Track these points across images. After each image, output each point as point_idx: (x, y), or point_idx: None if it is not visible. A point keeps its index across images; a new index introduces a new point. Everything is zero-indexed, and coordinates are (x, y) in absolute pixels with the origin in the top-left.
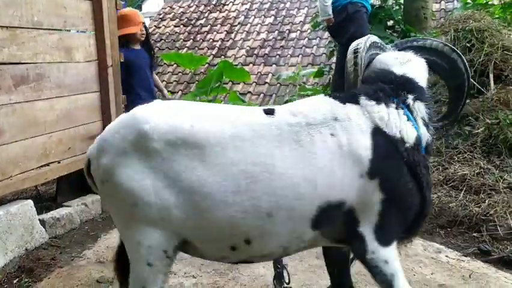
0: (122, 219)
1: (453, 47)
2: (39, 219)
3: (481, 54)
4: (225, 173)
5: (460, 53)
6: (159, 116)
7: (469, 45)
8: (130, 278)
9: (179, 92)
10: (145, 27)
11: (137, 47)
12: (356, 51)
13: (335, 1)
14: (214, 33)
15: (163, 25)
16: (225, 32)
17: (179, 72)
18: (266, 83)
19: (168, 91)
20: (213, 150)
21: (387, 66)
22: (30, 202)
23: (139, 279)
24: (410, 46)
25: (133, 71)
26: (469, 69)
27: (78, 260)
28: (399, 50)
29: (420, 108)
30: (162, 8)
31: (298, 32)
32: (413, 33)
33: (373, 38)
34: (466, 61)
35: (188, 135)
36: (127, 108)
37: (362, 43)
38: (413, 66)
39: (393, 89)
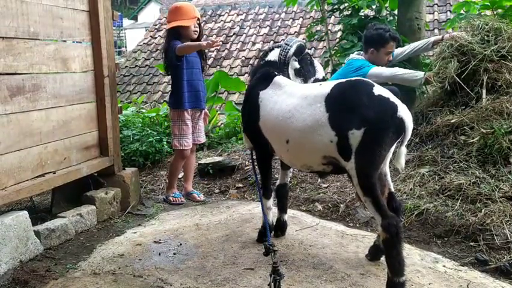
0: None
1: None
2: (34, 231)
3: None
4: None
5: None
6: None
7: None
8: None
9: None
10: (199, 25)
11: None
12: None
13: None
14: None
15: (159, 35)
16: (221, 43)
17: None
18: None
19: (164, 101)
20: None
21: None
22: (25, 213)
23: None
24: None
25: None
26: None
27: (73, 272)
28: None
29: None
30: (158, 19)
31: None
32: (407, 43)
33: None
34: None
35: None
36: (171, 96)
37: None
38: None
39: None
